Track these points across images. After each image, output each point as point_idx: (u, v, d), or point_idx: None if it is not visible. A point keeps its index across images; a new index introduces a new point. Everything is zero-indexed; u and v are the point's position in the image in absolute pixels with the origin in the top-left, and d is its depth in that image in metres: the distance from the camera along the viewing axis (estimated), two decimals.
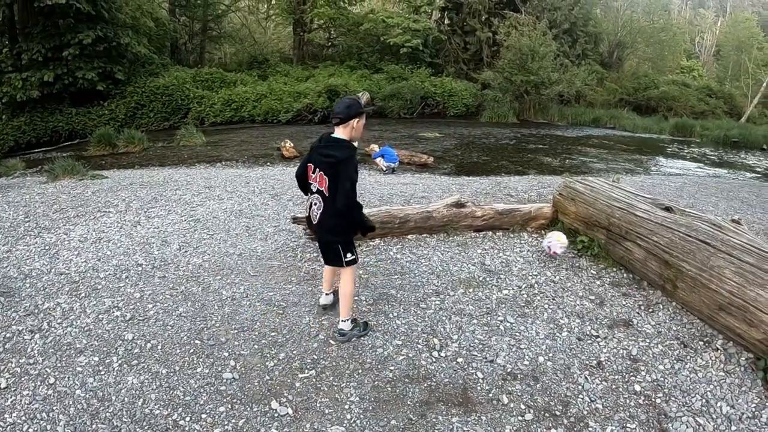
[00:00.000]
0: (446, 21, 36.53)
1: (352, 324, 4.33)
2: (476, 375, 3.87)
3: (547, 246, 6.09)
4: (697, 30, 62.31)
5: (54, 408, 3.45)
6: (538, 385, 3.77)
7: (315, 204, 4.08)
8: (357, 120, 3.99)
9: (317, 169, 4.03)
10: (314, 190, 4.09)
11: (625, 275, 5.66)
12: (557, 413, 3.49)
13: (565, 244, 6.06)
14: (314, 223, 4.14)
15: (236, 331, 4.39)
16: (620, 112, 30.56)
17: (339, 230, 4.08)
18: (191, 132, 18.79)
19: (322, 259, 4.56)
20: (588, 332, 4.50)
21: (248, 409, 3.46)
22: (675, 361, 4.09)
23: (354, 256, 4.19)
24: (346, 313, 4.28)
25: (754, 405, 3.58)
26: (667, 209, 5.46)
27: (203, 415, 3.40)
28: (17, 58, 21.58)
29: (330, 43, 38.80)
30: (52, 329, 4.41)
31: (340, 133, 3.99)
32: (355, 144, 4.13)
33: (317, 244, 4.48)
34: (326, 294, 4.75)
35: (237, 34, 39.35)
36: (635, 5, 41.85)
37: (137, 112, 24.03)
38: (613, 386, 3.78)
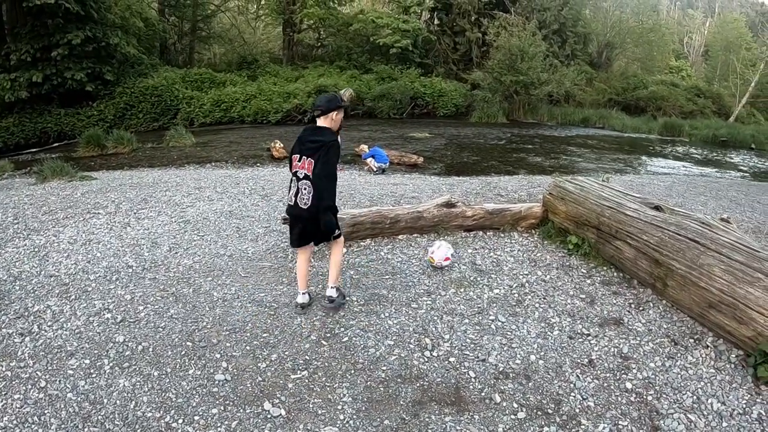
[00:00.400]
0: (436, 21, 36.56)
1: (338, 292, 4.79)
2: (468, 374, 3.88)
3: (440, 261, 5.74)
4: (686, 30, 62.64)
5: (46, 412, 3.43)
6: (530, 384, 3.78)
7: (304, 189, 4.32)
8: (336, 113, 4.48)
9: (303, 157, 4.34)
10: (301, 176, 4.33)
11: (615, 274, 5.68)
12: (549, 411, 3.51)
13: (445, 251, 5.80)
14: (305, 207, 4.32)
15: (228, 332, 4.38)
16: (609, 112, 30.64)
17: (329, 209, 4.41)
18: (180, 133, 18.74)
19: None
20: (579, 331, 4.51)
21: (241, 410, 3.45)
22: (666, 359, 4.11)
23: (340, 231, 4.66)
24: (335, 280, 4.75)
25: (744, 401, 3.61)
26: (657, 208, 5.49)
27: (196, 417, 3.39)
28: (5, 58, 21.46)
29: (319, 44, 38.73)
30: (43, 332, 4.39)
31: (322, 123, 4.46)
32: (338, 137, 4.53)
33: (298, 232, 4.56)
34: (303, 293, 4.80)
35: (226, 34, 39.22)
36: (624, 6, 41.99)
37: (126, 112, 23.97)
38: (605, 384, 3.80)
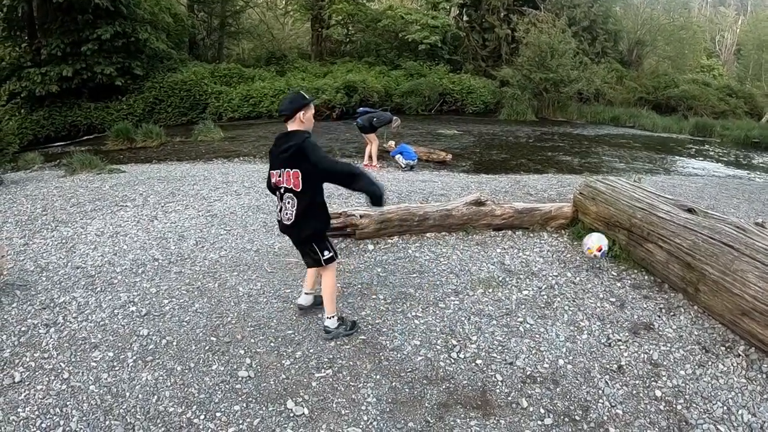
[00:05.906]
0: (465, 18, 36.33)
1: (338, 321, 4.26)
2: (495, 377, 3.81)
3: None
4: (718, 28, 61.51)
5: (68, 403, 3.43)
6: (557, 389, 3.70)
7: (288, 202, 4.02)
8: (303, 112, 4.09)
9: (282, 170, 4.01)
10: (283, 191, 4.04)
11: (646, 277, 5.56)
12: (577, 418, 3.42)
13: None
14: (288, 224, 4.06)
15: (252, 328, 4.36)
16: (640, 111, 30.15)
17: (312, 225, 4.07)
18: (209, 127, 18.87)
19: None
20: (608, 335, 4.41)
21: (263, 408, 3.42)
22: (696, 367, 4.00)
23: (331, 254, 4.17)
24: (330, 310, 4.22)
25: None
26: (690, 210, 5.36)
27: (218, 414, 3.36)
28: (36, 53, 21.76)
29: (348, 39, 38.65)
30: (68, 323, 4.41)
31: (291, 127, 4.09)
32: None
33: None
34: (305, 293, 4.62)
35: (255, 29, 39.34)
36: (655, 3, 41.41)
37: (155, 107, 24.18)
38: (634, 391, 3.70)
